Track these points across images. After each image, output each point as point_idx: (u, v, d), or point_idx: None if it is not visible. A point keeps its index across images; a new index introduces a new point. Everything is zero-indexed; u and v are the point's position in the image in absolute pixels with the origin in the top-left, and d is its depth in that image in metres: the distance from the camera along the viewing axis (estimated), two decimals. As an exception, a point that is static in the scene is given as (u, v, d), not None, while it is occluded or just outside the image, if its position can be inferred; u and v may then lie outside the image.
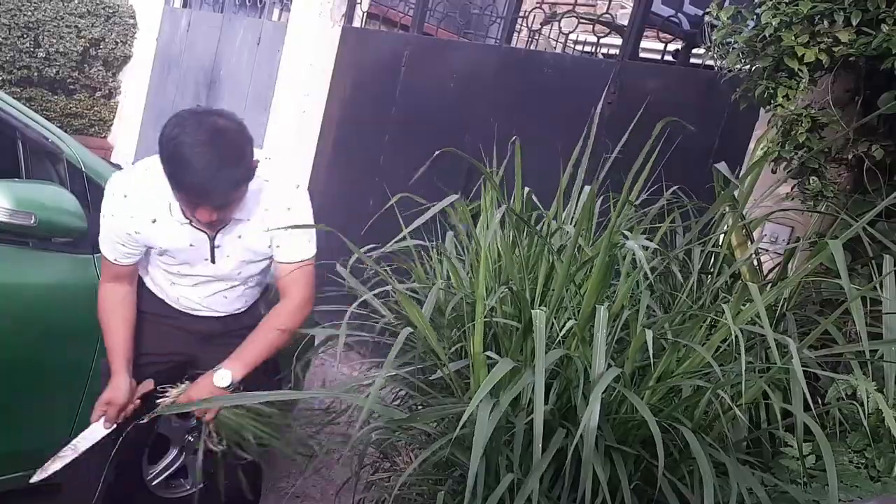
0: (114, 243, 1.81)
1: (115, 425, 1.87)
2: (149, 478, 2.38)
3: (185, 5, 6.51)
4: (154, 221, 1.76)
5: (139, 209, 1.75)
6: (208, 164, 1.55)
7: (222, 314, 2.02)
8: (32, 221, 1.90)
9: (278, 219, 1.80)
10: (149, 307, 1.98)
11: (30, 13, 5.93)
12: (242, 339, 1.91)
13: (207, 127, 1.57)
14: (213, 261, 1.85)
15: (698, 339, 1.62)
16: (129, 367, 1.88)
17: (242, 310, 2.06)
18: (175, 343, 2.02)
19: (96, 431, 1.87)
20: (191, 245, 1.81)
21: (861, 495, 1.47)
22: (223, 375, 1.81)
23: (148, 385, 1.91)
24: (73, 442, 1.89)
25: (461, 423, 1.35)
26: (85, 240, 2.06)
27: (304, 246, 1.88)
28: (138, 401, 1.90)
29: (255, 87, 5.36)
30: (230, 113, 1.67)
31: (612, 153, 2.05)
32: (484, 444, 1.29)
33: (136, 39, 6.73)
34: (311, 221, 1.86)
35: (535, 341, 1.35)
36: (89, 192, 2.12)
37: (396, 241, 1.88)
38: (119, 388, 1.85)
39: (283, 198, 1.82)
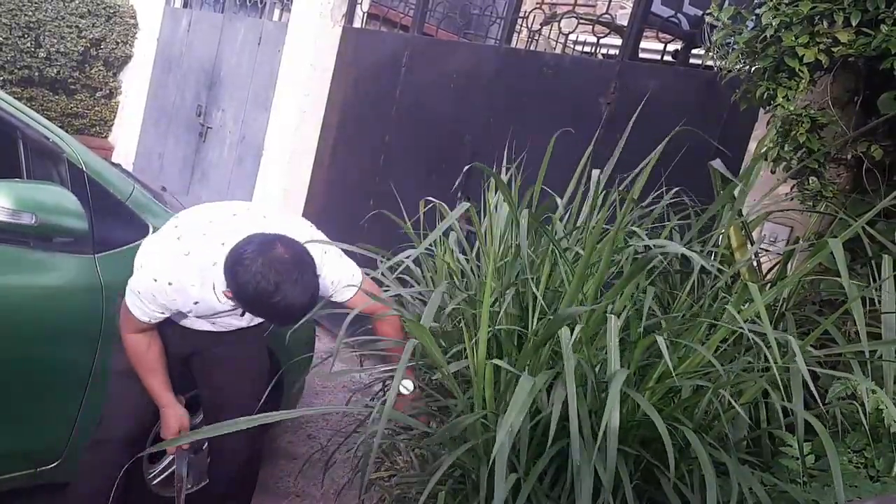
0: (151, 313, 1.83)
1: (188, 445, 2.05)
2: (149, 477, 2.38)
3: (185, 5, 6.51)
4: (197, 303, 1.82)
5: (183, 295, 1.79)
6: (305, 306, 1.68)
7: (235, 328, 2.08)
8: (33, 221, 1.90)
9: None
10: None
11: (31, 13, 5.93)
12: (246, 333, 2.06)
13: (298, 280, 1.65)
14: (242, 315, 1.95)
15: (698, 339, 1.62)
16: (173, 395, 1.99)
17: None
18: (189, 343, 2.07)
19: (181, 457, 2.07)
20: (229, 311, 1.89)
21: (860, 495, 1.47)
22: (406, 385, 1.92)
23: (181, 401, 2.04)
24: (177, 475, 2.07)
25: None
26: (85, 240, 2.07)
27: (351, 286, 1.96)
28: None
29: (255, 87, 5.37)
30: (289, 240, 1.71)
31: (613, 153, 2.06)
32: (504, 468, 1.29)
33: (137, 39, 6.74)
34: (345, 269, 1.93)
35: (563, 359, 1.35)
36: (90, 193, 2.12)
37: (409, 257, 1.90)
38: (181, 416, 2.00)
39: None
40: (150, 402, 1.98)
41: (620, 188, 2.00)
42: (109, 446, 2.00)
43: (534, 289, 1.68)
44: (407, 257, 1.86)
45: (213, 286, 1.78)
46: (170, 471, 2.41)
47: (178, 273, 1.76)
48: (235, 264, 1.65)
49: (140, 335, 1.90)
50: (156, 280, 1.76)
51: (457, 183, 1.98)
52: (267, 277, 1.61)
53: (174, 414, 1.99)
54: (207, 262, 1.75)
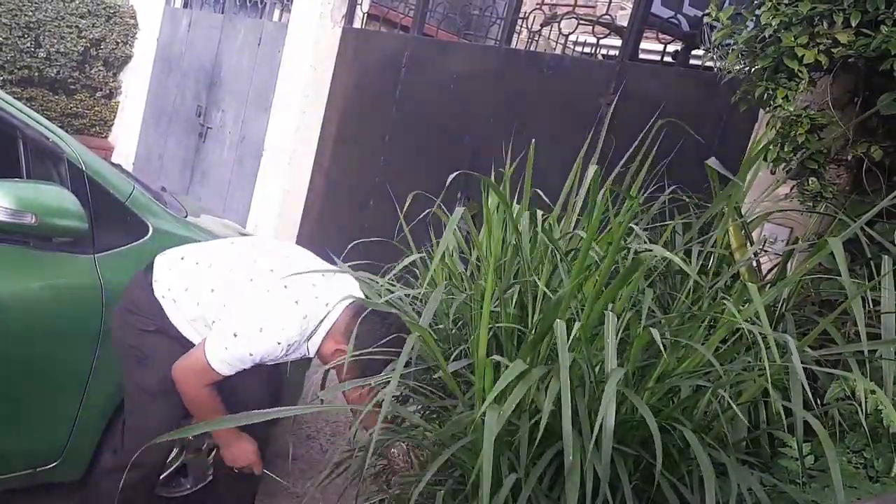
0: (242, 366, 1.86)
1: None
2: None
3: (185, 6, 6.51)
4: (284, 353, 1.90)
5: (285, 350, 1.86)
6: None
7: None
8: (33, 221, 1.90)
9: None
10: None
11: (31, 13, 5.94)
12: None
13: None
14: None
15: (697, 339, 1.62)
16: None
17: None
18: None
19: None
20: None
21: (860, 496, 1.47)
22: None
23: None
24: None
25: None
26: (85, 240, 2.06)
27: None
28: None
29: (255, 87, 5.37)
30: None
31: (612, 153, 2.06)
32: (491, 451, 1.29)
33: (137, 40, 6.74)
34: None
35: (558, 353, 1.34)
36: (90, 193, 2.12)
37: (407, 260, 1.91)
38: (250, 441, 2.05)
39: None
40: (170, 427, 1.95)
41: (613, 185, 2.00)
42: (135, 472, 1.99)
43: (538, 281, 1.68)
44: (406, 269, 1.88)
45: (307, 346, 1.90)
46: (170, 470, 2.41)
47: (295, 335, 1.85)
48: (367, 342, 1.80)
49: (211, 386, 1.89)
50: (279, 343, 1.83)
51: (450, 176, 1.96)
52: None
53: (247, 442, 2.04)
54: (316, 323, 1.86)
